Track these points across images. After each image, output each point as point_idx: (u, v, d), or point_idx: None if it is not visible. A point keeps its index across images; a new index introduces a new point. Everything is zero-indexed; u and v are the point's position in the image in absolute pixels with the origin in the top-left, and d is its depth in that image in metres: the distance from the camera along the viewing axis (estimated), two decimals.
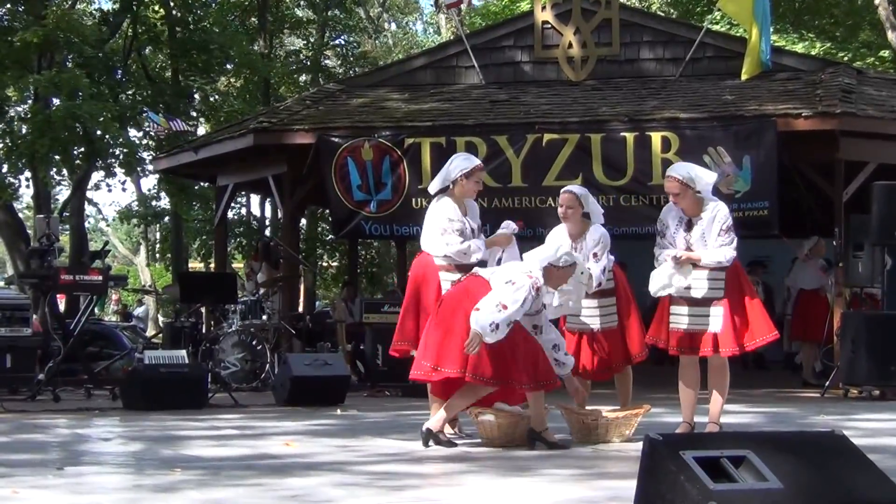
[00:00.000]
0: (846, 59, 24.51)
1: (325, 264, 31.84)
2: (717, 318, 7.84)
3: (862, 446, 3.85)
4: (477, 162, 8.35)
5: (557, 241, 8.04)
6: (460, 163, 8.22)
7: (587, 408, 8.40)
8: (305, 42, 34.48)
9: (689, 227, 7.97)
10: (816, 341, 15.17)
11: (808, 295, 15.32)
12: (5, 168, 23.28)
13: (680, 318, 7.99)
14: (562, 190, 8.65)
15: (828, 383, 13.47)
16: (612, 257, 8.31)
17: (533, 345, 7.49)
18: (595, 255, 8.16)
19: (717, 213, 7.89)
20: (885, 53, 28.16)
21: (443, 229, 7.90)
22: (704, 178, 8.04)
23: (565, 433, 8.28)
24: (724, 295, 7.86)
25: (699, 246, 7.90)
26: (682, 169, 8.19)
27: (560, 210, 8.41)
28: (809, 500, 3.34)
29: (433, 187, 8.24)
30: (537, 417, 7.51)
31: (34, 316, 12.90)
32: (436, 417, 7.66)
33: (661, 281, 7.91)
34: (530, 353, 7.42)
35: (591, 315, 8.37)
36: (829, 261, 15.93)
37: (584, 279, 7.80)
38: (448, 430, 7.84)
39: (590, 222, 8.34)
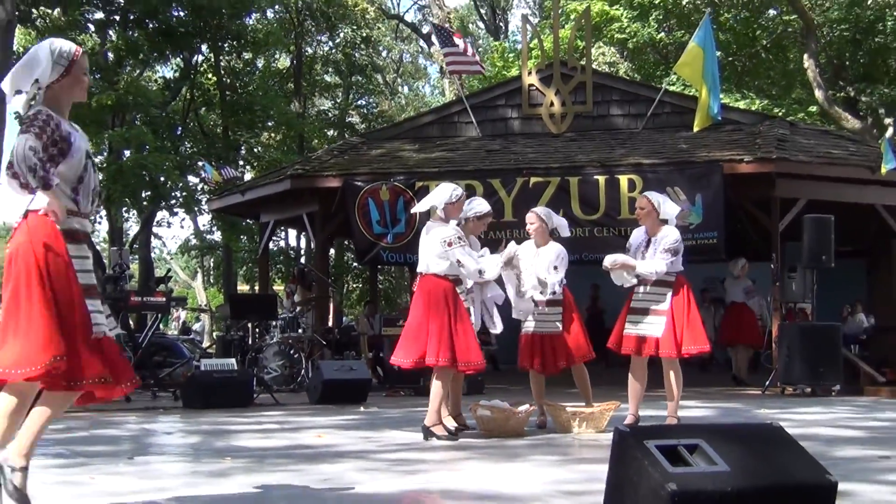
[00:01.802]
0: (781, 113, 24.52)
1: (350, 287, 31.84)
2: (660, 325, 7.88)
3: (796, 435, 3.85)
4: (489, 208, 8.32)
5: (514, 247, 8.23)
6: (477, 205, 8.18)
7: (568, 404, 8.39)
8: (333, 103, 34.63)
9: (647, 244, 8.02)
10: (744, 344, 15.26)
11: (737, 306, 15.35)
12: None
13: (631, 325, 8.03)
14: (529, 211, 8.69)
15: (767, 383, 13.44)
16: (563, 278, 8.29)
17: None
18: (555, 267, 8.18)
19: (666, 236, 7.90)
20: (813, 108, 28.17)
21: (449, 241, 7.77)
22: (669, 208, 8.11)
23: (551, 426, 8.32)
24: (668, 306, 7.89)
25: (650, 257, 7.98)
26: (655, 195, 8.30)
27: (527, 227, 8.48)
28: (751, 481, 3.33)
29: (420, 207, 8.14)
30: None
31: None
32: (428, 413, 7.68)
33: (619, 279, 8.08)
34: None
35: (542, 320, 8.38)
36: (754, 280, 16.02)
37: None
38: (451, 422, 7.82)
39: (553, 241, 8.36)
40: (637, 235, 8.18)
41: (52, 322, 4.15)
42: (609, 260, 7.99)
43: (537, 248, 8.31)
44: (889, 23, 26.78)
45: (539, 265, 8.23)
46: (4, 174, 4.24)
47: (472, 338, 7.61)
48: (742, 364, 15.27)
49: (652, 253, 7.93)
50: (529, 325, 8.41)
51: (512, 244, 8.31)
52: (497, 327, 8.59)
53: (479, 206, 8.24)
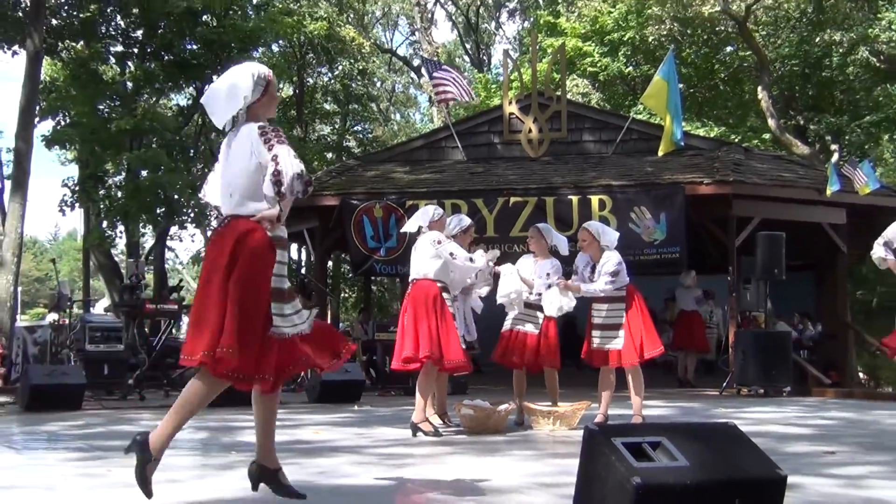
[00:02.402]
0: (737, 140, 24.60)
1: (346, 295, 31.81)
2: (620, 338, 7.98)
3: (749, 433, 3.85)
4: (471, 221, 8.42)
5: (512, 268, 8.30)
6: (459, 220, 8.25)
7: (542, 404, 8.39)
8: (332, 128, 34.59)
9: (593, 269, 8.11)
10: (693, 349, 15.30)
11: (687, 315, 15.37)
12: (105, 223, 23.29)
13: (596, 339, 8.11)
14: (532, 227, 8.83)
15: (724, 384, 13.46)
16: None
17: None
18: (547, 274, 8.21)
19: (608, 261, 8.00)
20: (767, 136, 28.28)
21: (439, 240, 7.79)
22: (608, 235, 8.23)
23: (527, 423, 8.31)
24: (624, 319, 7.99)
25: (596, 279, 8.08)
26: (594, 226, 8.44)
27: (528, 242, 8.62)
28: (708, 475, 3.33)
29: (409, 227, 8.10)
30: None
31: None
32: (416, 410, 7.69)
33: (554, 302, 8.13)
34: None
35: (525, 320, 8.39)
36: (706, 290, 16.10)
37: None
38: (437, 420, 7.81)
39: (550, 255, 8.42)
40: (583, 259, 8.29)
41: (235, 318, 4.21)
42: (559, 283, 8.17)
43: (537, 257, 8.43)
44: (835, 59, 26.93)
45: (537, 271, 8.32)
46: (269, 183, 4.24)
47: (455, 340, 7.61)
48: (690, 368, 15.29)
49: (597, 276, 8.05)
50: (508, 322, 8.45)
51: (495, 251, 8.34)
52: (472, 335, 8.60)
53: (462, 221, 8.30)
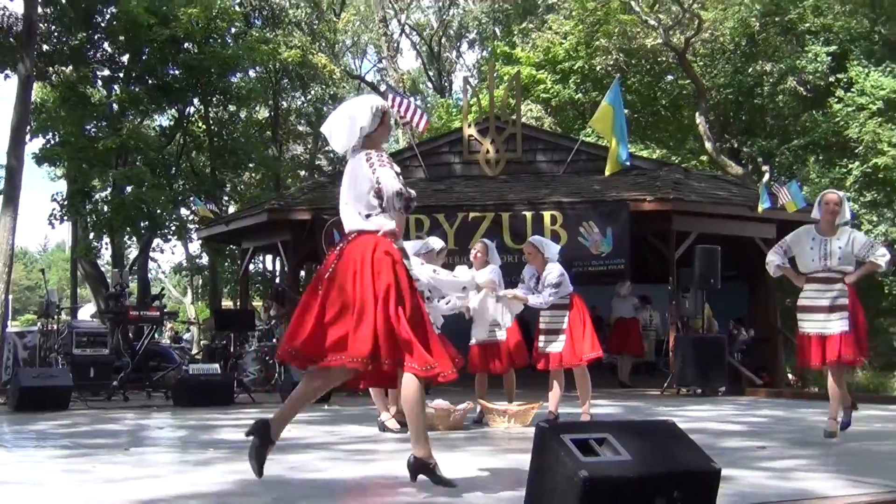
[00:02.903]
0: (677, 161, 24.85)
1: None
2: (561, 342, 8.08)
3: (687, 429, 3.87)
4: (441, 245, 8.28)
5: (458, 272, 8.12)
6: (425, 245, 8.14)
7: (496, 403, 8.41)
8: (305, 148, 34.52)
9: (538, 280, 8.19)
10: (628, 353, 15.40)
11: (623, 322, 15.46)
12: (92, 235, 23.09)
13: (542, 343, 8.21)
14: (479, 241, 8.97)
15: (665, 385, 13.54)
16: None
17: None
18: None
19: (550, 273, 8.08)
20: (704, 157, 28.54)
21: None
22: (551, 248, 8.32)
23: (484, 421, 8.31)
24: (566, 325, 8.08)
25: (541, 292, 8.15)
26: (538, 240, 8.52)
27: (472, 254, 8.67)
28: (649, 468, 3.34)
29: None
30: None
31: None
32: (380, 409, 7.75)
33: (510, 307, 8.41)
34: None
35: (496, 329, 8.46)
36: (643, 298, 16.22)
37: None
38: (394, 424, 7.75)
39: (490, 265, 8.45)
40: (529, 270, 8.38)
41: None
42: (503, 294, 8.27)
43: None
44: (766, 87, 27.24)
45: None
46: (373, 198, 4.55)
47: None
48: (626, 370, 15.38)
49: (541, 287, 8.12)
50: (483, 334, 8.45)
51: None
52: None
53: (429, 244, 8.20)
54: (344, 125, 4.77)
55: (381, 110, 4.80)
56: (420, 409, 4.53)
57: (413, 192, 4.60)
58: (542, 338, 8.21)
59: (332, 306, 4.54)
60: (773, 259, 7.10)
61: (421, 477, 4.53)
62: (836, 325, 6.71)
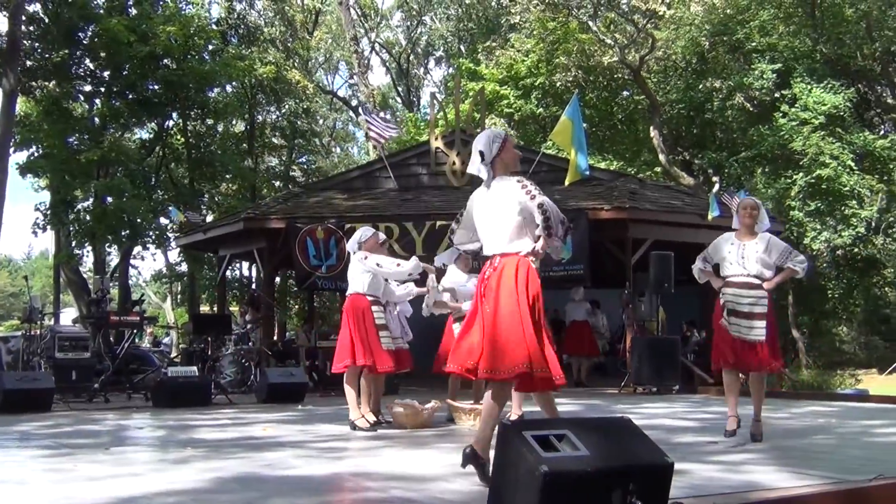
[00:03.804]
0: (633, 172, 25.02)
1: (291, 307, 31.55)
2: None
3: (643, 426, 3.89)
4: (372, 231, 8.09)
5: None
6: (362, 233, 7.98)
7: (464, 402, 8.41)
8: (279, 160, 34.38)
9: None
10: (584, 355, 15.46)
11: (577, 324, 15.51)
12: (74, 243, 22.87)
13: None
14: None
15: (622, 384, 13.59)
16: None
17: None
18: None
19: None
20: (658, 168, 28.77)
21: (364, 256, 7.74)
22: None
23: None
24: None
25: None
26: None
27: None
28: (606, 462, 3.36)
29: (349, 246, 8.06)
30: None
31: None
32: (351, 409, 7.72)
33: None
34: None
35: None
36: (593, 302, 16.30)
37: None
38: (371, 418, 7.77)
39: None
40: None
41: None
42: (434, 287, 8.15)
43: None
44: (715, 103, 27.49)
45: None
46: (542, 230, 4.69)
47: (381, 346, 7.63)
48: (583, 370, 15.44)
49: None
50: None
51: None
52: (408, 335, 8.60)
53: (365, 232, 8.03)
54: (475, 157, 5.01)
55: (500, 136, 5.05)
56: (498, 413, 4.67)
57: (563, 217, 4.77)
58: None
59: (491, 323, 4.69)
60: (697, 265, 6.91)
61: (394, 473, 4.52)
62: (756, 332, 6.44)
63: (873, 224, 26.19)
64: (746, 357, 6.49)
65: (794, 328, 28.09)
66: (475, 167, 5.01)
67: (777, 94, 25.79)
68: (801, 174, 24.15)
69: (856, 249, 26.43)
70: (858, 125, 26.72)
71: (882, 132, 27.88)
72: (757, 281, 6.51)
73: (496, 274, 4.76)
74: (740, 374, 6.89)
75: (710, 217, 14.12)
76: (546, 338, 4.74)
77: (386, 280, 7.91)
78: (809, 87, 24.80)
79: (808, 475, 4.75)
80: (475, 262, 8.59)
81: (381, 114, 17.01)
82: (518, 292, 4.65)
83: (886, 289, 30.73)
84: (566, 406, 10.10)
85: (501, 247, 4.83)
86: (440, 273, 8.36)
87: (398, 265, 7.66)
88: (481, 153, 4.93)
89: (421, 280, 8.17)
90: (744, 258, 6.54)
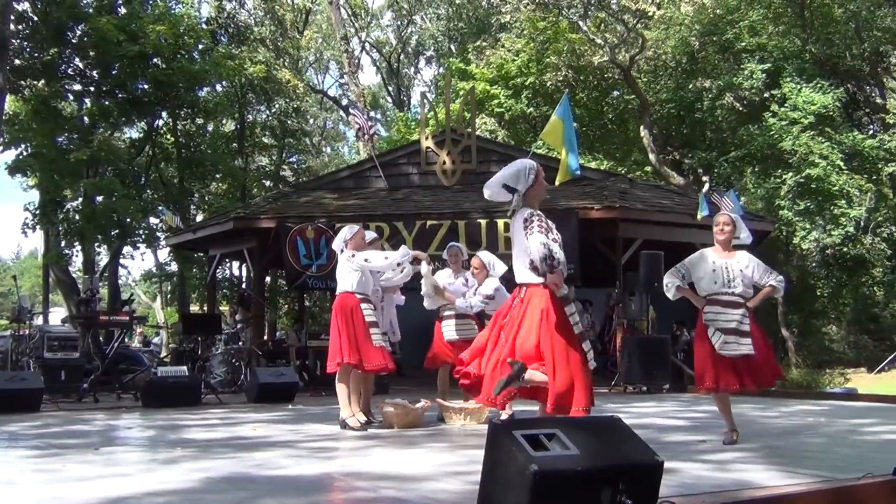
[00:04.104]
0: (623, 171, 25.03)
1: (282, 307, 31.51)
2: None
3: (633, 425, 3.89)
4: (357, 228, 8.08)
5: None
6: (348, 231, 7.99)
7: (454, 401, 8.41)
8: (269, 160, 34.31)
9: (475, 290, 8.29)
10: None
11: None
12: (63, 243, 22.79)
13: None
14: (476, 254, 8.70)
15: (613, 383, 13.61)
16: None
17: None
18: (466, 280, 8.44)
19: (488, 285, 8.16)
20: (648, 168, 28.81)
21: (352, 254, 7.74)
22: (498, 267, 8.32)
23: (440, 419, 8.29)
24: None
25: (470, 296, 8.25)
26: (487, 257, 8.49)
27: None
28: (596, 461, 3.36)
29: (335, 245, 8.03)
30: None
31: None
32: (342, 408, 7.71)
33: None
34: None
35: (467, 329, 8.38)
36: (583, 302, 16.31)
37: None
38: (362, 417, 7.77)
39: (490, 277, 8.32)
40: (473, 282, 8.39)
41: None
42: (428, 273, 8.14)
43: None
44: (705, 103, 27.55)
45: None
46: (528, 267, 5.15)
47: (370, 345, 7.62)
48: None
49: (472, 294, 8.19)
50: (454, 334, 8.40)
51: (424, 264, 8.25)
52: (396, 336, 8.59)
53: (351, 229, 8.04)
54: (501, 187, 5.33)
55: (534, 170, 5.32)
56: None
57: (561, 257, 5.05)
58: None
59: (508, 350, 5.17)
60: (672, 281, 6.66)
61: (385, 473, 4.51)
62: (746, 348, 6.30)
63: (862, 223, 26.28)
64: (743, 374, 6.34)
65: (784, 327, 28.17)
66: (505, 197, 5.31)
67: (767, 94, 25.86)
68: (790, 174, 24.21)
69: (845, 249, 26.51)
70: (847, 125, 26.80)
71: (871, 132, 27.97)
72: (741, 300, 6.43)
73: (521, 303, 5.20)
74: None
75: (699, 217, 14.14)
76: (568, 368, 5.22)
77: (375, 273, 7.91)
78: (799, 86, 24.87)
79: (798, 474, 4.76)
80: (464, 259, 8.63)
81: (368, 115, 16.96)
82: (541, 324, 5.08)
83: (875, 288, 30.84)
84: None
85: (525, 276, 5.21)
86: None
87: (386, 257, 7.68)
88: (511, 186, 5.26)
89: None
90: (732, 277, 6.43)
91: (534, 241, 4.94)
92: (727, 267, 6.46)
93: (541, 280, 5.10)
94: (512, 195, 5.25)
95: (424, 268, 8.03)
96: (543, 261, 4.92)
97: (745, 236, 6.66)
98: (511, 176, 5.25)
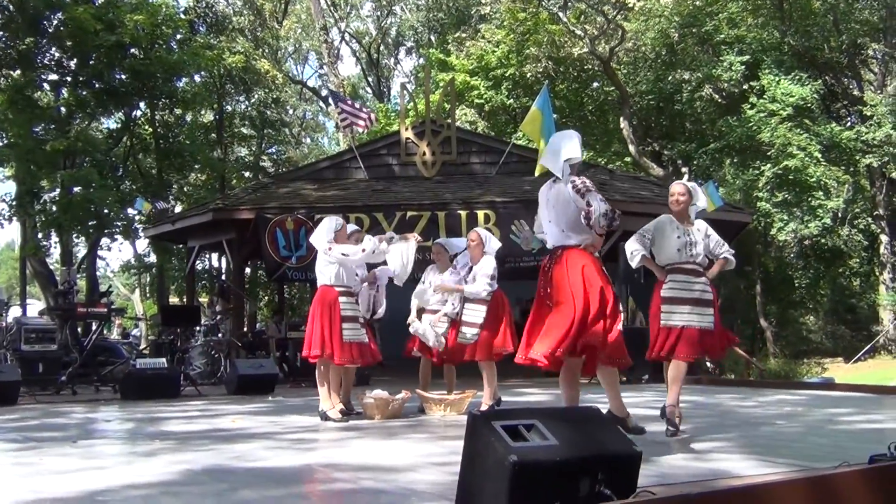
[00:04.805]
0: (603, 162, 25.12)
1: (261, 298, 31.43)
2: (476, 334, 7.99)
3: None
4: (340, 222, 8.02)
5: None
6: (332, 224, 7.94)
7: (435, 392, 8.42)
8: (249, 150, 34.18)
9: (469, 269, 8.18)
10: None
11: None
12: (40, 235, 22.63)
13: (461, 335, 8.07)
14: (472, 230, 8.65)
15: None
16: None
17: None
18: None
19: (487, 265, 8.04)
20: (628, 159, 28.91)
21: (328, 248, 7.73)
22: (492, 242, 8.26)
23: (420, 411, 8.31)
24: (482, 319, 7.97)
25: (470, 282, 8.09)
26: (483, 232, 8.42)
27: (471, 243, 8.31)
28: (575, 452, 3.37)
29: (317, 240, 8.02)
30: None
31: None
32: (322, 399, 7.68)
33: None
34: None
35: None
36: None
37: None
38: (342, 408, 7.77)
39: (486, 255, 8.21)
40: (462, 259, 8.36)
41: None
42: (439, 284, 8.14)
43: (473, 261, 8.25)
44: (685, 94, 27.65)
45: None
46: (583, 220, 5.39)
47: (341, 339, 7.62)
48: None
49: (472, 278, 8.05)
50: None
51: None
52: (379, 309, 8.52)
53: (334, 223, 8.01)
54: (554, 154, 5.61)
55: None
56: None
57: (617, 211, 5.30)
58: (462, 329, 8.11)
59: (552, 312, 5.50)
60: (637, 248, 6.46)
61: (365, 464, 4.52)
62: (708, 319, 6.22)
63: (839, 215, 26.50)
64: (701, 344, 6.27)
65: (762, 318, 28.37)
66: (551, 164, 5.59)
67: (745, 86, 25.99)
68: (768, 165, 24.36)
69: (822, 240, 26.73)
70: (825, 117, 27.01)
71: (848, 124, 28.15)
72: (701, 269, 6.34)
73: (559, 264, 5.48)
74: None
75: (712, 209, 14.04)
76: (602, 325, 5.42)
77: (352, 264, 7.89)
78: (777, 78, 25.01)
79: (775, 463, 4.81)
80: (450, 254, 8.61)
81: (351, 103, 16.87)
82: (577, 282, 5.34)
83: (852, 279, 31.12)
84: (536, 396, 10.16)
85: (563, 239, 5.49)
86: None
87: (363, 250, 7.67)
88: (568, 158, 5.52)
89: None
90: (692, 244, 6.32)
91: (593, 199, 5.22)
92: (689, 234, 6.37)
93: (577, 242, 5.43)
94: (561, 163, 5.55)
95: (384, 244, 7.93)
96: (604, 216, 5.17)
97: (701, 203, 6.58)
98: (574, 149, 5.59)
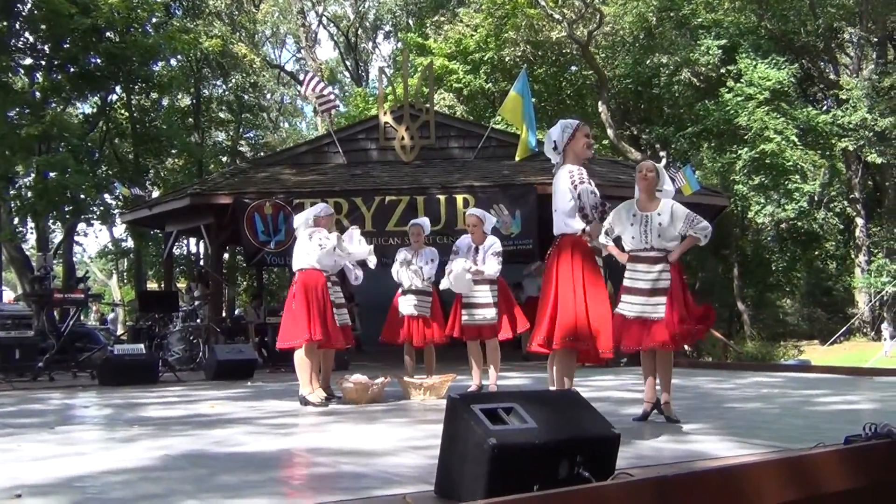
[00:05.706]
0: None
1: (240, 283, 31.33)
2: (484, 315, 8.08)
3: (591, 398, 3.94)
4: (328, 210, 8.19)
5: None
6: (315, 211, 8.07)
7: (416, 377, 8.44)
8: (226, 135, 34.00)
9: (476, 251, 8.14)
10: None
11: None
12: (16, 220, 22.44)
13: (467, 316, 8.16)
14: (468, 212, 8.70)
15: None
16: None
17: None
18: (431, 260, 8.56)
19: (494, 243, 8.15)
20: (606, 143, 28.95)
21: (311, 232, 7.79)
22: (489, 221, 8.28)
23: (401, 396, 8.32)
24: (492, 300, 8.10)
25: (480, 263, 8.09)
26: (480, 212, 8.48)
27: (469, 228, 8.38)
28: (554, 434, 3.39)
29: (297, 222, 8.05)
30: None
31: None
32: (301, 384, 7.64)
33: (462, 287, 8.11)
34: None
35: (423, 306, 8.51)
36: None
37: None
38: (322, 393, 7.76)
39: (488, 235, 8.31)
40: (464, 242, 8.29)
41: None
42: (465, 266, 8.02)
43: (476, 243, 8.28)
44: (662, 78, 27.73)
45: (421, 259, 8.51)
46: (570, 212, 5.34)
47: (336, 324, 7.69)
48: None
49: (482, 258, 8.04)
50: (412, 309, 8.50)
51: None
52: (359, 278, 8.52)
53: (320, 209, 8.14)
54: (548, 144, 5.57)
55: (572, 126, 5.50)
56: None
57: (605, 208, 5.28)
58: (467, 310, 8.14)
59: (559, 298, 5.37)
60: (606, 240, 6.23)
61: (344, 449, 4.51)
62: (658, 309, 5.92)
63: (816, 198, 26.68)
64: (653, 335, 5.99)
65: (739, 300, 28.57)
66: (550, 153, 5.59)
67: (723, 70, 26.08)
68: (745, 149, 24.50)
69: (799, 223, 26.92)
70: (802, 101, 27.15)
71: (825, 107, 28.34)
72: (660, 255, 6.00)
73: (556, 252, 5.42)
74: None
75: (689, 192, 14.10)
76: (597, 312, 5.32)
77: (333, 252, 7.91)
78: (754, 62, 25.11)
79: (751, 444, 4.85)
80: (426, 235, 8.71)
81: (322, 85, 16.71)
82: (572, 269, 5.31)
83: (828, 262, 31.37)
84: (515, 380, 10.19)
85: (561, 227, 5.42)
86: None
87: (328, 239, 7.70)
88: (554, 142, 5.47)
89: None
90: (649, 230, 6.02)
91: (584, 190, 5.18)
92: (646, 220, 6.05)
93: (575, 230, 5.35)
94: (556, 153, 5.53)
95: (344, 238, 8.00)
96: (594, 208, 5.14)
97: (668, 188, 6.21)
98: (556, 133, 5.51)
